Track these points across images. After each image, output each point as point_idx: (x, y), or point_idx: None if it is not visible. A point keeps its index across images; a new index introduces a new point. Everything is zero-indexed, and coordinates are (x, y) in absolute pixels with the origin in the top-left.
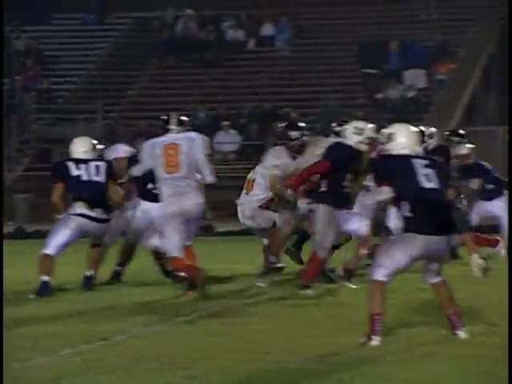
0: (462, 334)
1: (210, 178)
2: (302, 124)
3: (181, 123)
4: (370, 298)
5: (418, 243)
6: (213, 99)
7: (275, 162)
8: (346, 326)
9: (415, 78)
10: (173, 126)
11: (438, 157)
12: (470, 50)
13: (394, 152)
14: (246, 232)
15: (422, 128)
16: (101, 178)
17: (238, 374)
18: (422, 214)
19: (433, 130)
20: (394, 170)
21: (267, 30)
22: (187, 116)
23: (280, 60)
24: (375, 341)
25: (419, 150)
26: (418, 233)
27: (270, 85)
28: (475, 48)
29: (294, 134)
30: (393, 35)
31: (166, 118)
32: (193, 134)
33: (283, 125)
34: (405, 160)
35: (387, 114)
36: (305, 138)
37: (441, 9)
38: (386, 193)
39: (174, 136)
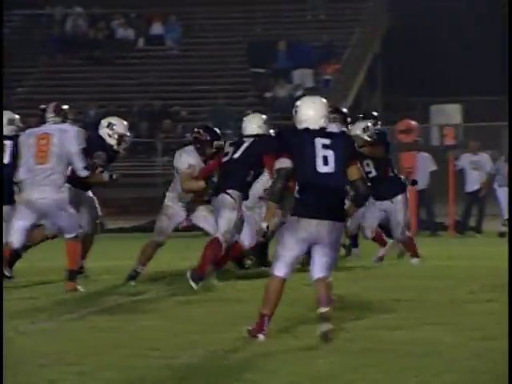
0: (327, 327)
1: (83, 173)
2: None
3: (58, 112)
4: (265, 294)
5: (303, 225)
6: (103, 97)
7: (191, 161)
8: (233, 321)
9: (303, 77)
10: (49, 115)
11: (376, 150)
12: (356, 51)
13: (298, 125)
14: (136, 229)
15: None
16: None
17: (127, 370)
18: (310, 198)
19: (368, 123)
20: (293, 146)
21: (157, 29)
22: (79, 113)
23: (169, 59)
24: (261, 337)
25: (322, 122)
26: (302, 216)
27: (160, 83)
28: (360, 48)
29: (217, 143)
30: (281, 35)
31: (44, 107)
32: (67, 126)
33: (200, 129)
34: (305, 139)
35: (276, 113)
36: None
37: (327, 10)
38: (286, 162)
39: (48, 126)
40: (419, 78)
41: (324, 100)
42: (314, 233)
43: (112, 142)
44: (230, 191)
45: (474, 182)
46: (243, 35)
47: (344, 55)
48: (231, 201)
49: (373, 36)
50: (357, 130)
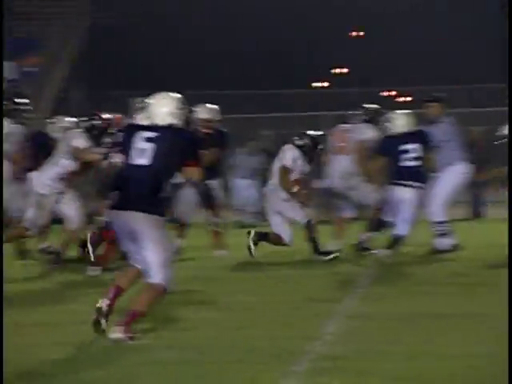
0: (116, 333)
1: None
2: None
3: None
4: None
5: (114, 217)
6: None
7: (86, 143)
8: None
9: (7, 70)
10: None
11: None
12: (57, 44)
13: (149, 120)
14: None
15: None
16: None
17: None
18: (120, 189)
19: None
20: (122, 141)
21: None
22: None
23: None
24: (103, 305)
25: (170, 119)
26: (114, 208)
27: None
28: (63, 41)
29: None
30: None
31: None
32: None
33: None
34: (130, 133)
35: None
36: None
37: (37, 1)
38: (118, 157)
39: None
40: (123, 71)
41: (177, 96)
42: (122, 224)
43: None
44: None
45: None
46: None
47: (47, 48)
48: None
49: (77, 29)
50: None
